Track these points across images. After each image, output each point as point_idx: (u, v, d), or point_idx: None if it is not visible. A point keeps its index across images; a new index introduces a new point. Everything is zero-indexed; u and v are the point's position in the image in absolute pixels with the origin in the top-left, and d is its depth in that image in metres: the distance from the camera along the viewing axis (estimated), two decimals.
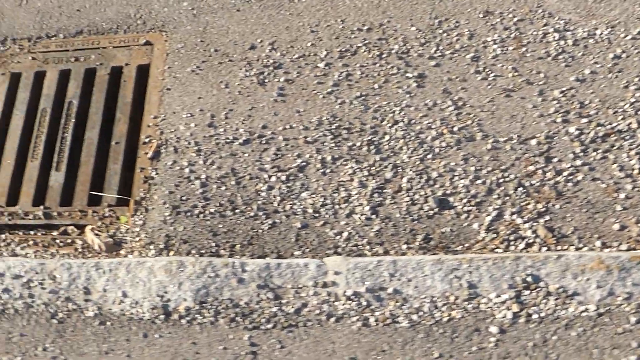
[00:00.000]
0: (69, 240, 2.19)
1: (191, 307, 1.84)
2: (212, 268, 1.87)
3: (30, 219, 2.26)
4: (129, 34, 2.48)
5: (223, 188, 2.11)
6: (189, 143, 2.20)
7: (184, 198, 2.11)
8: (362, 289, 1.78)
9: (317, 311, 1.78)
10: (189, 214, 2.08)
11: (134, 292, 1.90)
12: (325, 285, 1.80)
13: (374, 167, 2.04)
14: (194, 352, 1.79)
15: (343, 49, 2.24)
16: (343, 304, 1.78)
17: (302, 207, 2.02)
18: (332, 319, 1.77)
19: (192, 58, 2.35)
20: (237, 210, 2.05)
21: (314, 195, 2.03)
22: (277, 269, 1.85)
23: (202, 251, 2.00)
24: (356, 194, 2.01)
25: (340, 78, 2.19)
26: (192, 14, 2.44)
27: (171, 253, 2.03)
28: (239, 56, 2.31)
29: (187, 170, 2.16)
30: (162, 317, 1.85)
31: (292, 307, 1.80)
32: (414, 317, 1.74)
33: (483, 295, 1.73)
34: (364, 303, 1.77)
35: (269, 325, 1.79)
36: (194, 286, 1.86)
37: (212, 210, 2.07)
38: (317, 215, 2.00)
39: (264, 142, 2.15)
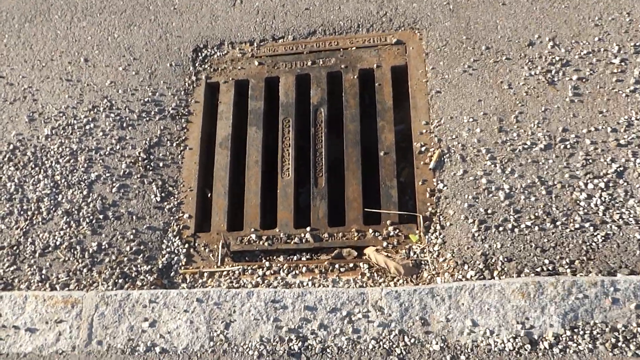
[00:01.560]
0: (351, 265, 1.95)
1: (560, 334, 1.63)
2: (578, 288, 1.66)
3: (296, 243, 2.00)
4: (373, 32, 2.24)
5: (532, 198, 1.90)
6: (479, 150, 1.99)
7: (489, 211, 1.89)
8: None
9: None
10: (501, 228, 1.87)
11: (486, 321, 1.67)
12: None
13: None
14: None
15: (637, 44, 2.07)
16: None
17: (633, 216, 1.83)
18: None
19: (459, 57, 2.14)
20: (557, 223, 1.85)
21: None
22: None
23: (537, 269, 1.79)
24: None
25: None
26: (449, 9, 2.22)
27: (495, 273, 1.81)
28: (516, 53, 2.11)
29: (483, 180, 1.95)
30: (527, 347, 1.62)
31: None
32: None
33: None
34: None
35: None
36: (560, 310, 1.65)
37: (527, 223, 1.86)
38: None
39: (568, 146, 1.96)
